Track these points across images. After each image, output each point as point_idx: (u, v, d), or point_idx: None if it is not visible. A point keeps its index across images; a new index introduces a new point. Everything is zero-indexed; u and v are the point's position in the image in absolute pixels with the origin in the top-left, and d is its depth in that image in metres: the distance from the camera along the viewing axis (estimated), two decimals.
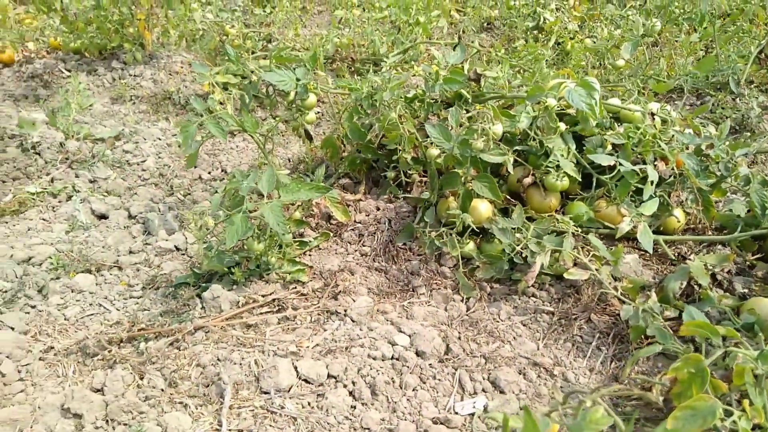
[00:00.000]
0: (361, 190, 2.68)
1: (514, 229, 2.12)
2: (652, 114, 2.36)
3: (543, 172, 2.26)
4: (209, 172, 3.08)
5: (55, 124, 3.08)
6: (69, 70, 4.19)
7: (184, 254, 2.43)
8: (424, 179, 2.57)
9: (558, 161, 2.21)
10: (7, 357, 1.84)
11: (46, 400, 1.65)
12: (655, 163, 2.26)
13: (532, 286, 2.08)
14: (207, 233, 2.06)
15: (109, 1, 3.93)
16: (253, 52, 4.25)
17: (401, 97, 2.44)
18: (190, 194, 2.88)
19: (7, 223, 2.52)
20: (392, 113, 2.40)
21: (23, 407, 1.63)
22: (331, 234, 2.42)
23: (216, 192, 2.79)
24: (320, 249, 2.38)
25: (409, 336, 1.88)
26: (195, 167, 3.12)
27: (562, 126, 2.21)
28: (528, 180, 2.30)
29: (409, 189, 2.57)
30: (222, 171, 3.09)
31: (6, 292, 2.12)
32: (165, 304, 2.11)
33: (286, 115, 2.55)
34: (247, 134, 2.32)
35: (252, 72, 2.95)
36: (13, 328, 1.98)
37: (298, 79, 2.51)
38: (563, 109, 2.33)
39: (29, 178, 2.87)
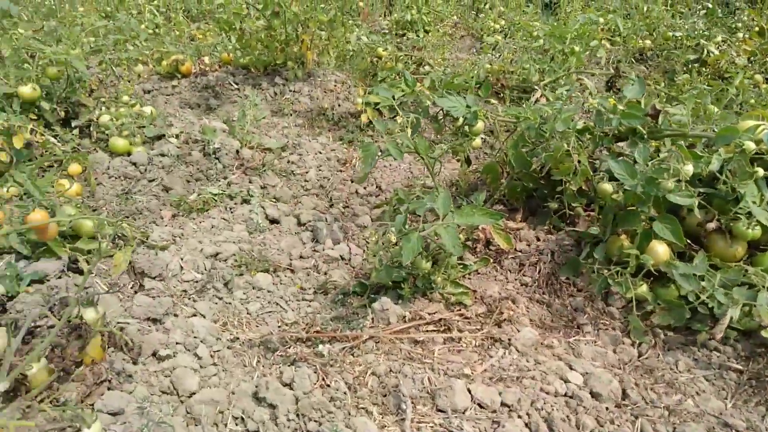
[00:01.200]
0: (517, 218, 2.67)
1: (695, 275, 2.01)
2: None
3: (730, 218, 2.11)
4: (365, 188, 3.23)
5: (234, 133, 3.40)
6: (237, 83, 4.61)
7: (347, 264, 2.56)
8: (590, 213, 2.51)
9: (750, 208, 2.06)
10: (202, 342, 2.04)
11: (240, 387, 1.81)
12: None
13: (715, 339, 1.95)
14: (382, 248, 2.16)
15: (279, 23, 4.28)
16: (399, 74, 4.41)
17: (572, 129, 2.41)
18: (348, 207, 3.04)
19: (194, 219, 2.81)
20: (564, 144, 2.38)
21: (220, 390, 1.80)
22: (491, 260, 2.43)
23: (376, 207, 2.92)
24: (479, 274, 2.40)
25: (582, 375, 1.83)
26: (352, 182, 3.29)
27: (760, 171, 2.06)
28: (711, 225, 2.16)
29: (571, 222, 2.52)
30: (377, 187, 3.22)
31: (197, 282, 2.36)
32: (335, 310, 2.24)
33: (453, 141, 2.61)
34: (419, 156, 2.41)
35: (401, 95, 3.07)
36: (204, 316, 2.19)
37: (468, 106, 2.57)
38: (758, 153, 2.17)
39: (209, 180, 3.19)
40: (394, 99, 2.40)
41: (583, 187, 2.41)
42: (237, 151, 3.33)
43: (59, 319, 1.80)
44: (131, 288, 2.24)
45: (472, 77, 3.99)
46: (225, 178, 3.18)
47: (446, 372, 1.86)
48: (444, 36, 4.92)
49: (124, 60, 3.64)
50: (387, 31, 5.48)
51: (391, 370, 1.86)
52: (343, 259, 2.57)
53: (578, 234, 2.43)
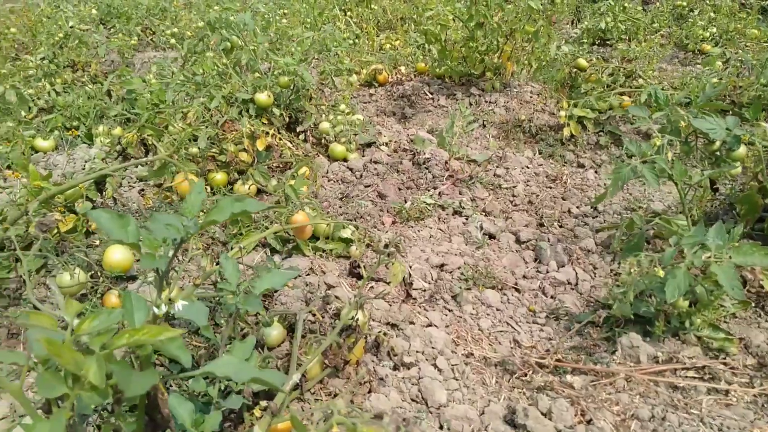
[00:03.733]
0: None
1: None
2: None
3: None
4: (578, 207, 3.08)
5: (443, 144, 3.45)
6: (431, 93, 4.70)
7: (574, 289, 2.44)
8: None
9: None
10: (440, 353, 2.06)
11: (490, 407, 1.80)
12: None
13: None
14: (635, 279, 2.02)
15: (482, 34, 4.27)
16: (609, 87, 4.16)
17: None
18: (562, 226, 2.92)
19: (412, 227, 2.89)
20: None
21: (470, 407, 1.80)
22: (752, 303, 2.16)
23: (600, 230, 2.76)
24: (736, 318, 2.15)
25: None
26: (564, 200, 3.16)
27: None
28: None
29: None
30: (593, 208, 3.05)
31: (425, 291, 2.41)
32: (571, 339, 2.14)
33: (708, 167, 2.37)
34: (672, 181, 2.22)
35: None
36: (436, 327, 2.23)
37: (728, 129, 2.31)
38: None
39: (419, 189, 3.26)
40: (650, 118, 2.23)
41: None
42: (446, 162, 3.37)
43: (321, 316, 1.94)
44: (368, 290, 2.34)
45: (696, 93, 3.63)
46: (435, 188, 3.23)
47: (720, 428, 1.67)
48: (655, 46, 4.55)
49: (345, 71, 3.89)
50: (584, 41, 5.22)
51: (653, 416, 1.72)
52: (569, 283, 2.46)
53: None
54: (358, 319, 1.76)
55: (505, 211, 3.08)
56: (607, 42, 5.86)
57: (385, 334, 1.88)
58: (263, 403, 1.44)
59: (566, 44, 5.12)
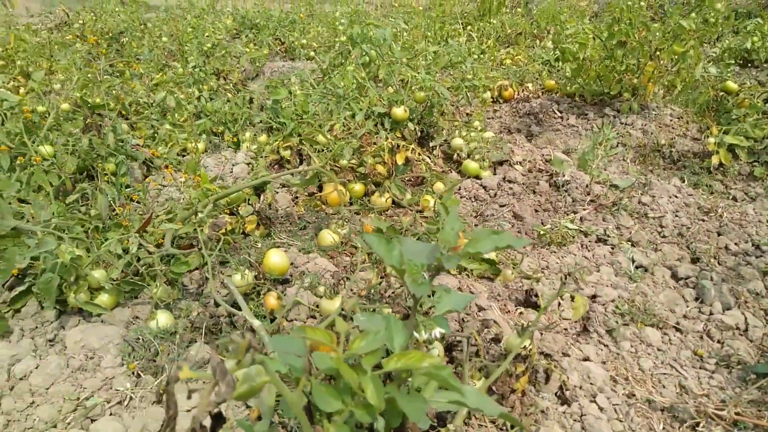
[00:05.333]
0: None
1: None
2: None
3: None
4: (736, 243, 2.85)
5: (585, 167, 3.33)
6: (560, 111, 4.57)
7: (743, 335, 2.26)
8: None
9: None
10: (600, 391, 1.98)
11: None
12: None
13: None
14: None
15: (622, 53, 4.10)
16: (765, 113, 3.84)
17: None
18: (720, 264, 2.71)
19: (554, 252, 2.81)
20: None
21: None
22: None
23: (766, 273, 2.54)
24: None
25: None
26: (719, 235, 2.94)
27: None
28: None
29: None
30: (754, 246, 2.81)
31: (576, 322, 2.33)
32: (749, 393, 1.97)
33: None
34: None
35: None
36: (592, 361, 2.14)
37: None
38: None
39: (557, 213, 3.17)
40: None
41: None
42: (587, 186, 3.25)
43: (477, 339, 1.91)
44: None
45: None
46: (575, 212, 3.12)
47: None
48: None
49: (481, 87, 3.88)
50: (730, 62, 4.86)
51: None
52: (738, 328, 2.27)
53: None
54: (531, 349, 1.72)
55: (653, 242, 2.91)
56: (753, 63, 5.42)
57: (555, 366, 1.83)
58: (450, 427, 1.44)
59: (711, 65, 4.80)
